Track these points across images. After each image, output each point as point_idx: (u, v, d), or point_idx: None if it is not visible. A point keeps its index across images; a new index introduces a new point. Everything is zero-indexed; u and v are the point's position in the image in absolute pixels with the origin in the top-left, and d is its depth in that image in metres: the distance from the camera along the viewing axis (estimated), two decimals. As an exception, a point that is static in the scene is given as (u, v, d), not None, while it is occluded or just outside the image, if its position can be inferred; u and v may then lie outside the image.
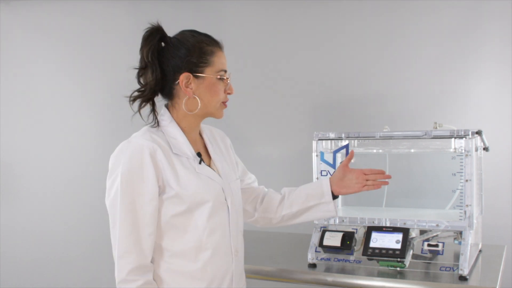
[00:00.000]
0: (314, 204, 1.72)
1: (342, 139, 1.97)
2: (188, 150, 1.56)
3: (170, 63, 1.55)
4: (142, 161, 1.47)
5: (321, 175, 1.98)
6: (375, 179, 1.69)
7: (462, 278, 1.70)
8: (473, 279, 1.72)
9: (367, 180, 1.69)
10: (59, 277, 3.20)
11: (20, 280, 3.25)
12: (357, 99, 2.66)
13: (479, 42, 2.43)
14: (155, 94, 1.57)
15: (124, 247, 1.47)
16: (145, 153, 1.47)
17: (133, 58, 3.30)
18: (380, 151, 2.07)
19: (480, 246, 2.07)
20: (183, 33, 1.58)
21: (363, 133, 1.94)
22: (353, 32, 2.67)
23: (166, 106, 1.61)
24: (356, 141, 2.00)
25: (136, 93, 1.55)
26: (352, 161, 1.71)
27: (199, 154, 1.57)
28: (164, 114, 1.59)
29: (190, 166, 1.54)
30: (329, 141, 2.00)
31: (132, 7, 3.03)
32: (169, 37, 1.58)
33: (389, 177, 1.71)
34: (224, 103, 1.60)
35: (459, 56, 2.46)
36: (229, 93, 1.59)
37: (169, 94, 1.58)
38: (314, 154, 1.97)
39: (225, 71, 1.58)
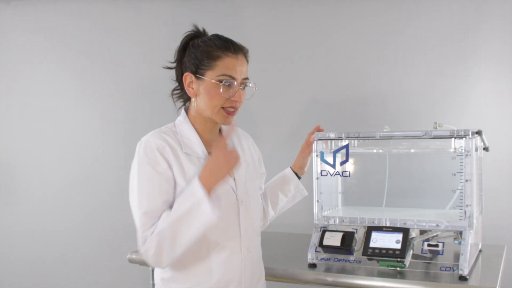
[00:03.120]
0: (291, 195, 1.94)
1: (342, 139, 1.97)
2: (200, 149, 1.59)
3: (184, 62, 1.62)
4: (155, 154, 1.52)
5: (321, 175, 1.98)
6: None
7: (462, 278, 1.70)
8: (473, 279, 1.72)
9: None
10: (59, 277, 3.20)
11: (20, 280, 3.26)
12: (357, 99, 2.66)
13: (479, 42, 2.42)
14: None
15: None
16: (154, 148, 1.52)
17: (134, 58, 3.30)
18: (380, 151, 2.07)
19: (480, 246, 2.07)
20: (207, 37, 1.62)
21: (363, 133, 1.94)
22: (353, 32, 2.67)
23: (186, 107, 1.67)
24: (356, 141, 2.00)
25: (176, 92, 1.68)
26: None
27: (210, 154, 1.59)
28: (181, 115, 1.65)
29: (199, 164, 1.56)
30: (329, 141, 2.00)
31: (133, 7, 3.03)
32: (196, 38, 1.62)
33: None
34: (225, 110, 1.58)
35: (459, 56, 2.46)
36: (234, 100, 1.57)
37: (187, 95, 1.65)
38: (314, 154, 1.97)
39: (231, 77, 1.56)
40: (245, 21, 2.86)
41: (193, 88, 1.58)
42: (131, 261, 2.24)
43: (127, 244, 2.57)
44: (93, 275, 3.14)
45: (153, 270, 1.99)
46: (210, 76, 1.55)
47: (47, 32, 3.16)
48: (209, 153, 1.59)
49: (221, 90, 1.54)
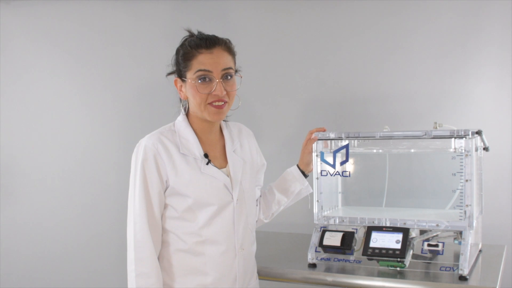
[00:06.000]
0: (297, 192, 1.91)
1: (342, 139, 1.97)
2: (197, 150, 1.61)
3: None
4: (147, 160, 1.56)
5: (321, 175, 1.98)
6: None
7: (462, 278, 1.71)
8: (473, 279, 1.72)
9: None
10: (59, 276, 3.20)
11: (20, 280, 3.26)
12: (357, 99, 2.66)
13: (479, 43, 2.42)
14: None
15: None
16: (150, 153, 1.56)
17: (133, 59, 3.30)
18: (380, 151, 2.07)
19: (480, 246, 2.07)
20: (186, 38, 1.64)
21: (363, 133, 1.94)
22: (353, 33, 2.67)
23: (186, 108, 1.69)
24: (356, 141, 2.00)
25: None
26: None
27: (206, 155, 1.61)
28: (180, 115, 1.68)
29: (196, 165, 1.59)
30: (329, 141, 2.00)
31: (132, 8, 3.03)
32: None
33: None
34: (212, 105, 1.59)
35: (460, 56, 2.46)
36: (217, 94, 1.57)
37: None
38: (314, 154, 1.97)
39: (207, 71, 1.57)
40: (245, 22, 2.86)
41: (182, 91, 1.63)
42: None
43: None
44: (93, 274, 3.14)
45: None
46: (189, 77, 1.58)
47: (47, 32, 3.16)
48: (205, 154, 1.61)
49: (197, 88, 1.57)
